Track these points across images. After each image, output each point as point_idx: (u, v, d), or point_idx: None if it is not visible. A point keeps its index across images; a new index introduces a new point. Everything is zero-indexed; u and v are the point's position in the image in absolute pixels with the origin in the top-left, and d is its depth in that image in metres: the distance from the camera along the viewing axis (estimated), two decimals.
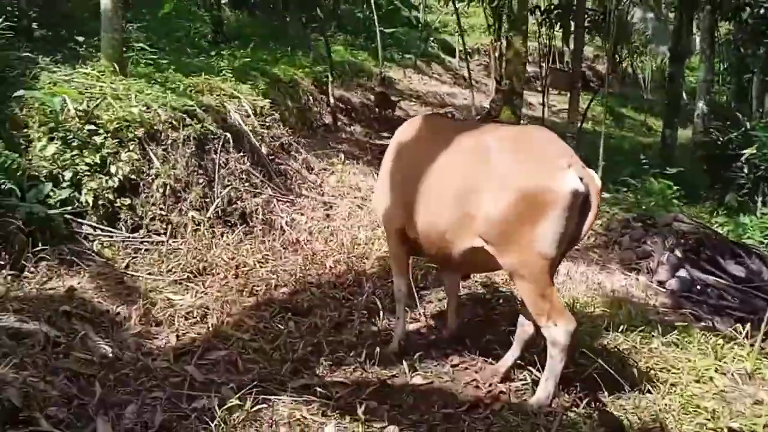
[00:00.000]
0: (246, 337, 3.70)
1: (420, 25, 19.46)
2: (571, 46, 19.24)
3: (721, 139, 10.60)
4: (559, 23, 12.64)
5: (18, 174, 4.44)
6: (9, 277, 3.83)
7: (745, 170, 9.56)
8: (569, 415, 3.12)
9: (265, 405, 2.97)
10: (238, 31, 12.75)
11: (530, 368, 3.47)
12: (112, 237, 4.77)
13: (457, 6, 15.64)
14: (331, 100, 10.63)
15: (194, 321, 3.83)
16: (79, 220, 4.72)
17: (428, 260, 4.32)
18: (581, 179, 2.90)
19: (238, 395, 2.94)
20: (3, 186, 4.29)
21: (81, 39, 6.80)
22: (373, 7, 14.54)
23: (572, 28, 11.88)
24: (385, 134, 11.47)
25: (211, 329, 3.77)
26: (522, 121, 9.01)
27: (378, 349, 3.60)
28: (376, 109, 11.94)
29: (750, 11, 12.49)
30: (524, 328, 3.44)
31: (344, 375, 3.47)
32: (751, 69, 15.19)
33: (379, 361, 3.56)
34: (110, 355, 3.25)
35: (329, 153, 8.19)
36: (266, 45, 12.01)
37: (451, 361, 3.72)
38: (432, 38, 19.07)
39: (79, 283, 3.90)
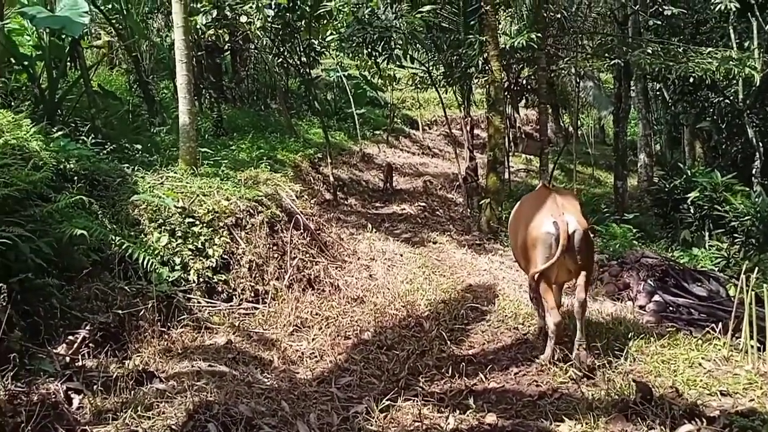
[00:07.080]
0: (359, 368, 4.89)
1: (384, 103, 21.35)
2: (521, 112, 21.56)
3: (667, 186, 12.44)
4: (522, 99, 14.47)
5: (146, 262, 5.60)
6: (163, 338, 4.94)
7: (692, 210, 11.32)
8: (611, 392, 4.40)
9: (396, 408, 4.16)
10: (233, 123, 14.17)
11: (573, 369, 4.76)
12: (215, 307, 5.90)
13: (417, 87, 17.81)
14: (331, 179, 12.03)
15: (317, 359, 5.01)
16: (189, 295, 5.86)
17: None
18: (555, 224, 4.58)
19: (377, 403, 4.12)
20: (139, 271, 5.46)
21: (138, 147, 7.99)
22: (349, 92, 16.29)
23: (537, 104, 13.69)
24: (378, 204, 12.90)
25: (330, 364, 4.94)
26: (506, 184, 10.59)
27: (463, 365, 4.85)
28: (384, 182, 13.64)
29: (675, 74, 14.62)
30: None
31: (439, 386, 4.68)
32: (683, 122, 17.42)
33: (459, 375, 4.79)
34: (275, 385, 4.38)
35: (346, 224, 9.50)
36: (258, 134, 13.45)
37: (512, 371, 4.98)
38: (395, 114, 20.87)
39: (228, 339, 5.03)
